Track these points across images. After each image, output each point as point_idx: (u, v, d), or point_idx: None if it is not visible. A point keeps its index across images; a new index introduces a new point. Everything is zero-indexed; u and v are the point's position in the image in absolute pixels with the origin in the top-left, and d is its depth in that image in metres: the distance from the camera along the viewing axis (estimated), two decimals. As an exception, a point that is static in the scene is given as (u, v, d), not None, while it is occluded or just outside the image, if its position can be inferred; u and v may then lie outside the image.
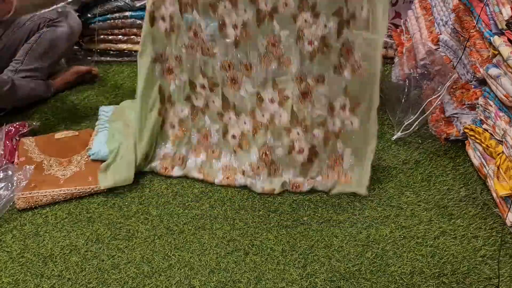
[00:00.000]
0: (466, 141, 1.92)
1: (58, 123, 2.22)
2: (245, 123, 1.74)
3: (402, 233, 1.66)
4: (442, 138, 1.99)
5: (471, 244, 1.60)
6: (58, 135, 2.05)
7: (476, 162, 1.82)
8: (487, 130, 1.73)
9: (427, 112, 2.02)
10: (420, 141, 2.04)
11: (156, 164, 1.86)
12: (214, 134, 1.85)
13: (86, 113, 2.28)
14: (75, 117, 2.25)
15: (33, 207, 1.76)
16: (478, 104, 1.79)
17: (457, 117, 1.94)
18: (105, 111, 2.12)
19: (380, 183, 1.87)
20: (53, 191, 1.78)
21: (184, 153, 1.86)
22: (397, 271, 1.54)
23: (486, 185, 1.79)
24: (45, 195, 1.77)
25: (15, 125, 2.04)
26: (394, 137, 2.05)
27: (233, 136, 1.83)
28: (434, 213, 1.72)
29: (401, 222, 1.70)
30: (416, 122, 2.03)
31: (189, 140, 1.89)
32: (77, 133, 2.07)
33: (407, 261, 1.56)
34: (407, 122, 2.04)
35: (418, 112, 2.03)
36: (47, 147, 1.98)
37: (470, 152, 1.86)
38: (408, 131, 2.02)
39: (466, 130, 1.86)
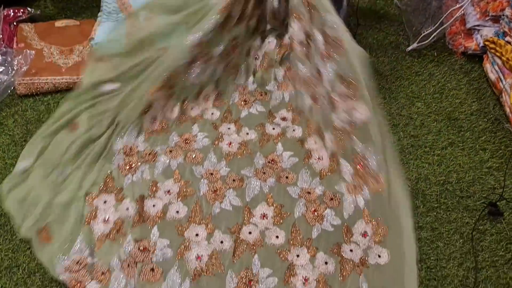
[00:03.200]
0: (484, 55, 1.86)
1: (58, 12, 2.10)
2: (222, 242, 1.32)
3: (410, 141, 1.65)
4: (459, 51, 1.92)
5: (478, 155, 1.59)
6: (59, 23, 1.94)
7: (492, 76, 1.77)
8: (509, 43, 1.66)
9: (447, 24, 1.93)
10: (435, 54, 1.97)
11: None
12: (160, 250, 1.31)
13: (87, 3, 2.15)
14: (76, 7, 2.13)
15: (34, 93, 1.71)
16: (503, 15, 1.70)
17: (478, 30, 1.86)
18: (108, 2, 2.00)
19: (391, 92, 1.82)
20: (54, 79, 1.72)
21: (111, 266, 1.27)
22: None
23: (499, 101, 1.76)
24: (46, 82, 1.71)
25: (14, 9, 1.92)
26: (409, 48, 1.97)
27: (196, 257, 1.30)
28: (444, 125, 1.70)
29: (410, 131, 1.68)
30: (434, 34, 1.94)
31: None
32: (78, 22, 1.96)
33: (413, 168, 1.56)
34: (424, 34, 1.95)
35: (437, 24, 1.93)
36: (47, 34, 1.88)
37: (487, 66, 1.81)
38: (424, 43, 1.94)
39: (486, 43, 1.79)
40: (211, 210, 1.38)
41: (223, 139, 1.57)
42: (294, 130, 1.60)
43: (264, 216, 1.38)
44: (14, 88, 1.71)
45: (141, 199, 1.39)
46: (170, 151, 1.52)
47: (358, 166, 1.44)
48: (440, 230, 1.40)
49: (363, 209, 1.37)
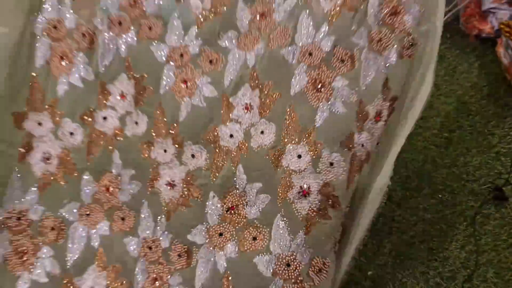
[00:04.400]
0: (498, 39, 1.82)
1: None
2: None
3: (419, 123, 1.62)
4: (473, 34, 1.89)
5: (486, 140, 1.58)
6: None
7: (505, 61, 1.74)
8: (525, 27, 1.63)
9: (461, 5, 1.89)
10: (448, 36, 1.93)
11: None
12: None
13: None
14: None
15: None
16: (521, -2, 1.66)
17: (494, 12, 1.82)
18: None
19: (401, 73, 1.79)
20: None
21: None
22: (409, 158, 1.53)
23: (511, 86, 1.73)
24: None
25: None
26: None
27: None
28: (453, 108, 1.68)
29: (419, 113, 1.66)
30: (448, 15, 1.90)
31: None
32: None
33: (420, 150, 1.55)
34: (438, 15, 1.91)
35: (451, 5, 1.89)
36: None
37: (501, 50, 1.77)
38: (437, 24, 1.91)
39: (501, 26, 1.75)
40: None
41: None
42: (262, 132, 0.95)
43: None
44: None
45: (90, 115, 0.98)
46: (88, 215, 0.98)
47: None
48: (445, 212, 1.40)
49: None
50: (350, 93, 0.88)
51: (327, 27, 0.90)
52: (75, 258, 0.97)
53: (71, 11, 1.01)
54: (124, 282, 0.97)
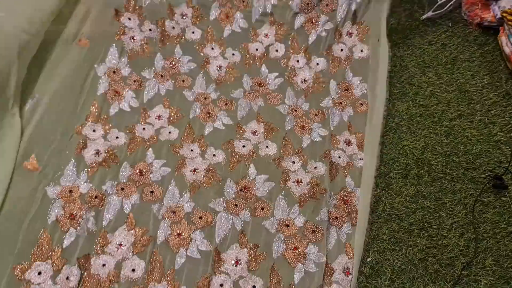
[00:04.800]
0: (500, 28, 1.81)
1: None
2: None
3: (419, 111, 1.62)
4: (475, 22, 1.87)
5: (487, 129, 1.57)
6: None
7: (507, 50, 1.73)
8: (528, 15, 1.62)
9: (464, -6, 1.88)
10: (450, 24, 1.91)
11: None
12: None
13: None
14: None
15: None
16: (524, -14, 1.64)
17: (496, 1, 1.81)
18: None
19: (402, 60, 1.78)
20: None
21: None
22: (409, 146, 1.52)
23: (512, 75, 1.73)
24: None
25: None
26: (424, 17, 1.91)
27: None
28: (454, 96, 1.67)
29: (419, 101, 1.65)
30: (450, 3, 1.88)
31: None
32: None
33: (420, 138, 1.54)
34: (440, 2, 1.90)
35: (454, -7, 1.88)
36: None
37: (503, 39, 1.76)
38: (439, 12, 1.89)
39: (504, 14, 1.74)
40: (175, 261, 1.26)
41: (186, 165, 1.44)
42: (267, 146, 1.50)
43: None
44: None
45: (86, 260, 1.23)
46: (122, 189, 1.35)
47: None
48: (444, 200, 1.39)
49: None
50: (319, 256, 1.27)
51: (298, 208, 1.36)
52: (110, 218, 1.29)
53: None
54: (148, 239, 1.26)
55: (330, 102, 1.62)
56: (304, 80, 1.68)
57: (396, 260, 1.27)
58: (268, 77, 1.67)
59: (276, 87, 1.64)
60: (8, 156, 1.31)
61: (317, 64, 1.73)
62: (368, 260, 1.27)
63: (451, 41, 1.86)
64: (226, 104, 1.57)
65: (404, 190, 1.42)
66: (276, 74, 1.68)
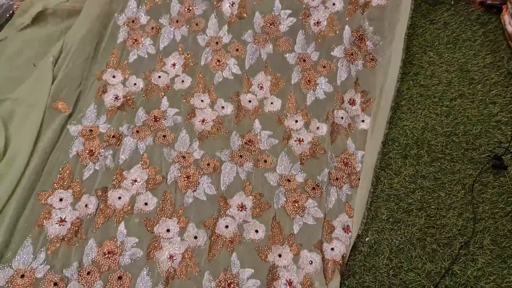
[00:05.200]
0: (503, 6, 1.78)
1: None
2: (196, 237, 1.26)
3: (420, 91, 1.61)
4: (478, 1, 1.84)
5: (487, 109, 1.56)
6: None
7: (509, 28, 1.70)
8: (532, -7, 1.59)
9: (467, -29, 1.84)
10: (452, 3, 1.88)
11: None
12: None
13: None
14: None
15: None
16: (529, -37, 1.61)
17: (500, -21, 1.77)
18: None
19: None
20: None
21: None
22: (408, 126, 1.51)
23: (514, 54, 1.70)
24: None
25: None
26: (426, -5, 1.88)
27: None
28: (455, 76, 1.65)
29: (420, 81, 1.63)
30: (453, -19, 1.85)
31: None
32: None
33: (420, 118, 1.53)
34: (443, -20, 1.86)
35: (457, -30, 1.84)
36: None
37: (506, 18, 1.73)
38: (442, -10, 1.86)
39: (507, -7, 1.71)
40: (183, 200, 1.30)
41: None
42: (272, 103, 1.54)
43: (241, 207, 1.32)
44: (12, 12, 1.63)
45: (103, 192, 1.31)
46: (137, 132, 1.45)
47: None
48: (443, 180, 1.39)
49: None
50: (317, 211, 1.30)
51: (299, 165, 1.40)
52: (125, 158, 1.38)
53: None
54: (161, 178, 1.34)
55: (342, 51, 1.60)
56: (318, 22, 1.65)
57: (394, 240, 1.27)
58: (281, 15, 1.66)
59: (287, 29, 1.64)
60: (41, 98, 1.44)
61: (334, 4, 1.68)
62: (366, 239, 1.27)
63: (453, 20, 1.83)
64: (237, 50, 1.61)
65: (403, 170, 1.41)
66: (290, 11, 1.66)
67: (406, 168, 1.42)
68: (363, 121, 1.51)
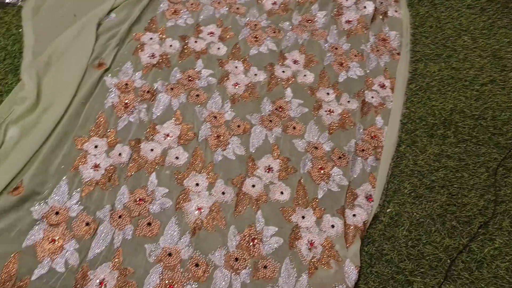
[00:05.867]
0: (543, -4, 1.77)
1: None
2: (223, 193, 1.28)
3: (451, 73, 1.62)
4: (517, -11, 1.83)
5: (517, 96, 1.56)
6: None
7: (547, 19, 1.69)
8: None
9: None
10: (490, -11, 1.87)
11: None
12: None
13: None
14: None
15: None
16: None
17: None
18: None
19: (438, 22, 1.76)
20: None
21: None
22: (437, 106, 1.52)
23: (549, 45, 1.70)
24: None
25: None
26: (465, -21, 1.87)
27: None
28: (487, 62, 1.65)
29: (452, 63, 1.64)
30: (494, -33, 1.83)
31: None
32: None
33: (449, 100, 1.54)
34: (483, -35, 1.85)
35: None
36: None
37: (544, 8, 1.72)
38: (481, -25, 1.84)
39: (549, -18, 1.69)
40: (213, 157, 1.34)
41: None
42: (305, 75, 1.58)
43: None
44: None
45: (136, 143, 1.35)
46: (172, 89, 1.49)
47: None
48: (467, 162, 1.41)
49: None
50: (342, 179, 1.33)
51: (327, 135, 1.43)
52: (159, 113, 1.43)
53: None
54: (192, 134, 1.38)
55: (369, 47, 1.66)
56: (349, 21, 1.72)
57: (415, 213, 1.30)
58: (318, 14, 1.76)
59: (321, 25, 1.72)
60: (82, 55, 1.50)
61: (365, 7, 1.76)
62: (388, 210, 1.30)
63: (490, 6, 1.82)
64: (274, 32, 1.67)
65: (428, 148, 1.43)
66: (324, 12, 1.75)
67: (432, 146, 1.44)
68: (392, 101, 1.53)
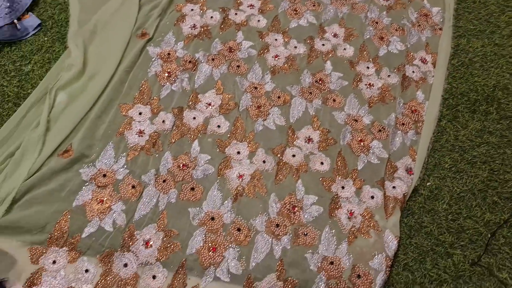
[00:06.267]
0: None
1: None
2: (264, 162, 1.30)
3: (494, 49, 1.58)
4: None
5: None
6: None
7: None
8: None
9: None
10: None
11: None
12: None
13: None
14: None
15: None
16: None
17: None
18: None
19: (482, -3, 1.72)
20: None
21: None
22: (480, 82, 1.50)
23: None
24: None
25: None
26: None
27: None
28: (533, 38, 1.61)
29: (495, 39, 1.61)
30: None
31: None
32: None
33: (492, 76, 1.52)
34: None
35: None
36: None
37: None
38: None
39: None
40: (254, 127, 1.36)
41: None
42: (345, 49, 1.57)
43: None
44: None
45: (179, 111, 1.38)
46: (213, 59, 1.50)
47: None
48: (510, 138, 1.39)
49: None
50: (382, 152, 1.34)
51: (367, 108, 1.43)
52: (201, 83, 1.45)
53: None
54: (233, 104, 1.40)
55: (410, 22, 1.65)
56: None
57: (455, 188, 1.29)
58: None
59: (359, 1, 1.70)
60: (126, 25, 1.53)
61: None
62: (428, 184, 1.30)
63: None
64: (313, 5, 1.66)
65: (470, 124, 1.41)
66: None
67: (474, 122, 1.42)
68: (433, 76, 1.51)
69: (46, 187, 1.19)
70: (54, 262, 1.10)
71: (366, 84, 1.48)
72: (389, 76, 1.50)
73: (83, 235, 1.14)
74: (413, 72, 1.52)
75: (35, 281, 1.08)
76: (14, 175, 1.20)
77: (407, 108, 1.44)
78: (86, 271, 1.10)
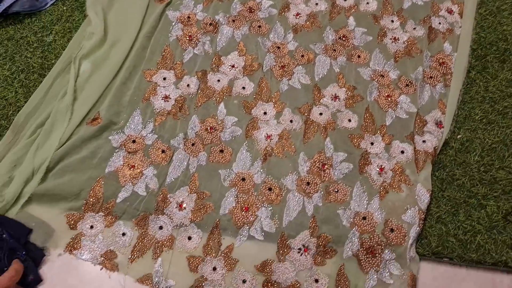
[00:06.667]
0: None
1: None
2: (291, 121, 1.29)
3: (524, -3, 1.52)
4: None
5: None
6: None
7: None
8: None
9: None
10: None
11: None
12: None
13: None
14: None
15: None
16: None
17: None
18: None
19: None
20: None
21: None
22: (509, 31, 1.45)
23: None
24: None
25: None
26: None
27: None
28: None
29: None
30: None
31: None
32: None
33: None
34: None
35: None
36: None
37: None
38: None
39: None
40: (279, 87, 1.35)
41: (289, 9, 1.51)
42: (368, 3, 1.53)
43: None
44: None
45: (203, 74, 1.37)
46: (233, 21, 1.47)
47: None
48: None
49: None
50: (410, 106, 1.32)
51: (393, 63, 1.40)
52: (223, 45, 1.43)
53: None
54: (257, 65, 1.38)
55: None
56: None
57: (487, 139, 1.27)
58: None
59: None
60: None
61: None
62: (458, 136, 1.28)
63: None
64: None
65: (500, 74, 1.38)
66: None
67: (504, 72, 1.38)
68: (460, 27, 1.47)
69: (78, 155, 1.20)
70: (91, 227, 1.13)
71: (391, 38, 1.45)
72: (414, 28, 1.46)
73: (118, 200, 1.16)
74: (440, 23, 1.47)
75: (75, 246, 1.11)
76: (45, 145, 1.22)
77: (434, 60, 1.40)
78: (123, 234, 1.12)
